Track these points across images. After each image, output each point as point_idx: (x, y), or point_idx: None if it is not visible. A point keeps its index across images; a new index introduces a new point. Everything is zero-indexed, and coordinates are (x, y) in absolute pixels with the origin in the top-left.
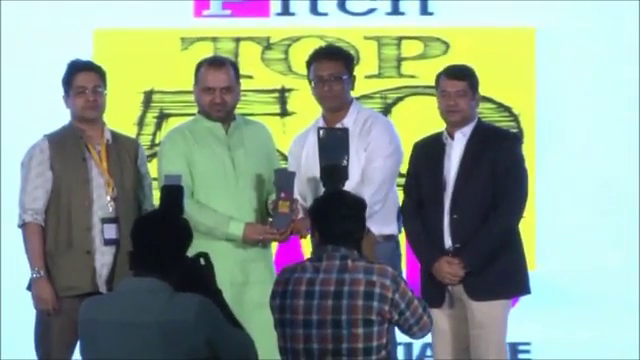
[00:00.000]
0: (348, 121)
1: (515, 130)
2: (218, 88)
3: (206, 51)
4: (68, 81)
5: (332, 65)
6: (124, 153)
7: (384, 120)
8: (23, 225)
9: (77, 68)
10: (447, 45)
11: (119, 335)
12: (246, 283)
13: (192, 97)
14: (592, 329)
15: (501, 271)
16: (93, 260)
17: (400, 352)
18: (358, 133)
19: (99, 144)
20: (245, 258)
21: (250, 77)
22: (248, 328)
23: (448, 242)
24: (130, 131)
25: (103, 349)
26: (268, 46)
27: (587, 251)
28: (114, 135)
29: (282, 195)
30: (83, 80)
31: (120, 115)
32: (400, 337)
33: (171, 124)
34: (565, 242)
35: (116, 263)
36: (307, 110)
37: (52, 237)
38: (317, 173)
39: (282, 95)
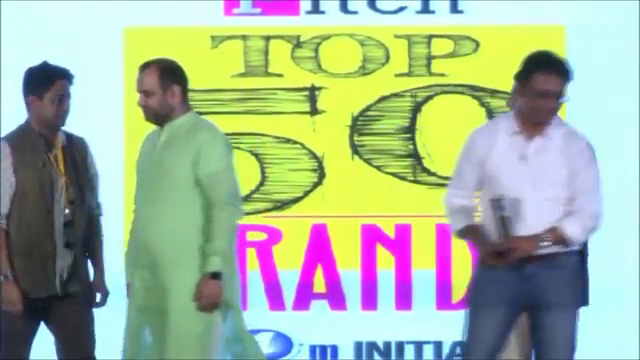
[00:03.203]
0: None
1: None
2: (140, 91)
3: (236, 49)
4: (45, 85)
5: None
6: (76, 154)
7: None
8: None
9: (59, 75)
10: (477, 43)
11: None
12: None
13: (223, 95)
14: (613, 329)
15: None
16: (55, 264)
17: (429, 351)
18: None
19: (55, 147)
20: (154, 263)
21: (280, 75)
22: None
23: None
24: None
25: None
26: (298, 44)
27: (615, 249)
28: (67, 136)
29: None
30: (62, 88)
31: None
32: (430, 335)
33: None
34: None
35: (72, 265)
36: (337, 108)
37: (15, 241)
38: (512, 180)
39: (312, 93)
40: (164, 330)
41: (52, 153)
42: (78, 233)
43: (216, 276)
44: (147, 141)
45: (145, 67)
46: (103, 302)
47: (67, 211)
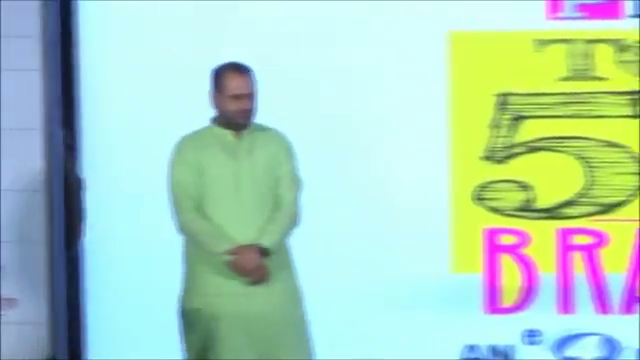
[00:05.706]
0: None
1: None
2: (245, 95)
3: (558, 53)
4: None
5: None
6: None
7: None
8: None
9: None
10: None
11: None
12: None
13: (547, 99)
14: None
15: None
16: None
17: None
18: None
19: None
20: None
21: (604, 79)
22: None
23: None
24: (482, 133)
25: None
26: (622, 48)
27: None
28: None
29: None
30: None
31: (472, 117)
32: None
33: (527, 126)
34: None
35: None
36: None
37: None
38: None
39: (637, 97)
40: None
41: None
42: None
43: None
44: (209, 148)
45: (246, 71)
46: None
47: None
